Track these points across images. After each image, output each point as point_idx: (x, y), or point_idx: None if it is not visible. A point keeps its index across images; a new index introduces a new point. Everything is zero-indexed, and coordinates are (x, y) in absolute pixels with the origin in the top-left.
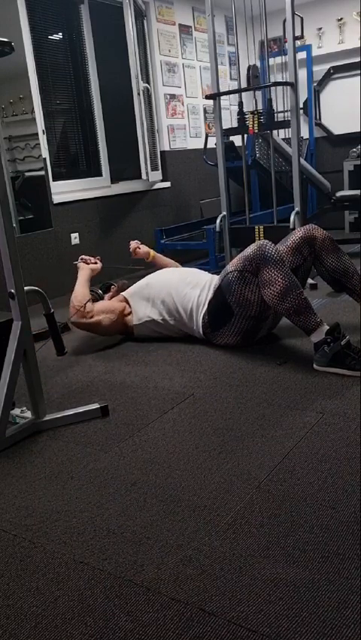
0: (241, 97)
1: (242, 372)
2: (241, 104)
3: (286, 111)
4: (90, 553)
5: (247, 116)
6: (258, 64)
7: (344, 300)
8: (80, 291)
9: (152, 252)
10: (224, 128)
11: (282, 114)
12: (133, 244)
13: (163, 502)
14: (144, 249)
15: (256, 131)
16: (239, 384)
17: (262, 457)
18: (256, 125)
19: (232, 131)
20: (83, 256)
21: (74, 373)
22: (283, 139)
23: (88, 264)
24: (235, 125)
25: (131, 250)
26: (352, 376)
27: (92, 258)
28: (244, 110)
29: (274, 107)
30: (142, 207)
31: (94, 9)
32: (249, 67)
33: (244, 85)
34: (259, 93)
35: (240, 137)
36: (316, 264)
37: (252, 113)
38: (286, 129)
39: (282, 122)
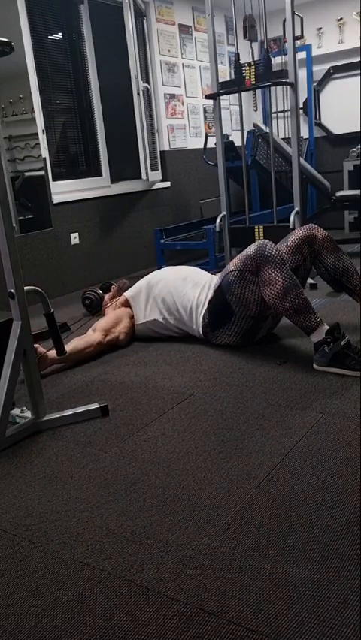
0: (237, 48)
1: (242, 372)
2: (237, 56)
3: (286, 111)
4: (90, 553)
5: (243, 68)
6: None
7: (344, 300)
8: (75, 347)
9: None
10: (220, 82)
11: (282, 119)
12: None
13: (163, 502)
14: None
15: (253, 82)
16: (239, 384)
17: (262, 457)
18: (252, 76)
19: (227, 84)
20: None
21: (74, 373)
22: (283, 139)
23: (43, 351)
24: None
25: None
26: (352, 376)
27: (39, 347)
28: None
29: (274, 106)
30: (142, 207)
31: (94, 9)
32: (245, 18)
33: (244, 87)
34: (255, 44)
35: (240, 136)
36: (316, 264)
37: (248, 64)
38: (286, 128)
39: (280, 72)
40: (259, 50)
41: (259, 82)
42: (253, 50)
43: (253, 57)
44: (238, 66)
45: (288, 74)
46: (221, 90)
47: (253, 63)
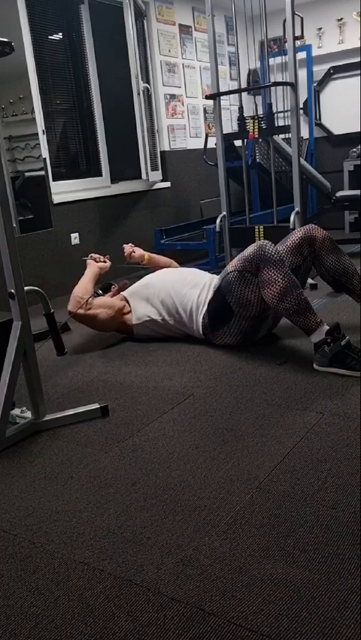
0: (241, 102)
1: (242, 372)
2: (241, 109)
3: (286, 111)
4: (90, 553)
5: (247, 121)
6: (258, 64)
7: (344, 300)
8: (84, 285)
9: (147, 255)
10: (224, 132)
11: (282, 120)
12: (127, 248)
13: (163, 502)
14: (138, 252)
15: (257, 136)
16: (239, 384)
17: (262, 457)
18: (256, 130)
19: (232, 136)
20: (92, 254)
21: (74, 373)
22: (283, 139)
23: (97, 262)
24: (235, 130)
25: (125, 254)
26: (352, 376)
27: (101, 257)
28: (245, 114)
29: (274, 107)
30: (142, 207)
31: (94, 9)
32: (249, 72)
33: (244, 87)
34: (259, 98)
35: None
36: (316, 264)
37: (252, 118)
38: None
39: (282, 127)
40: (262, 103)
41: (262, 135)
42: (256, 105)
43: (256, 110)
44: (242, 119)
45: (291, 125)
46: (221, 90)
47: (256, 117)
